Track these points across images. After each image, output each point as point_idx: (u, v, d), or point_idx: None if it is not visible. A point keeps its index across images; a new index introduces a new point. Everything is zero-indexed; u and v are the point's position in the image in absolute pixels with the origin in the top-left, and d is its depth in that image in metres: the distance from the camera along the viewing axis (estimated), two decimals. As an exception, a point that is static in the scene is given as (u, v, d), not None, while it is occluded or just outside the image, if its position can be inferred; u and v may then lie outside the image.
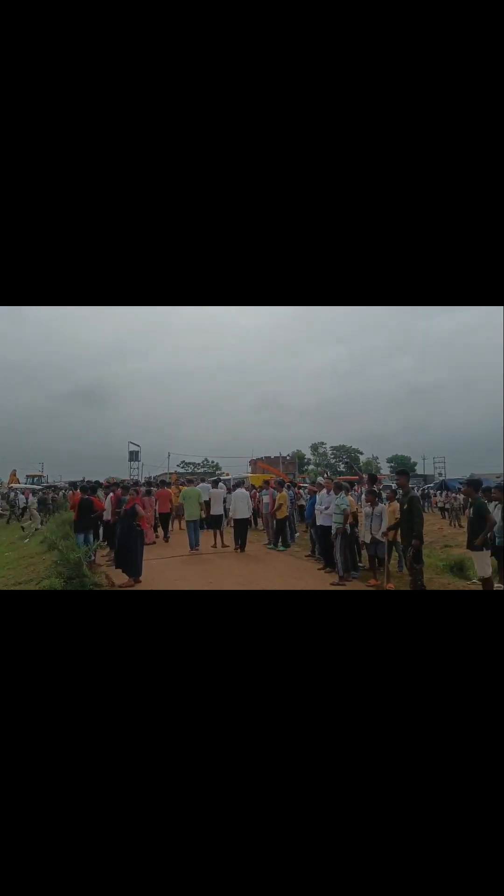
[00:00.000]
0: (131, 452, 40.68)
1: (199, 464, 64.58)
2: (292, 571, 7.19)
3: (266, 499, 10.23)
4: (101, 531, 8.37)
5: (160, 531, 10.52)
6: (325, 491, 7.36)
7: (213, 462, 64.33)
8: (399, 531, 5.81)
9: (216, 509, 9.74)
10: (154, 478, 24.56)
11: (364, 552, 7.05)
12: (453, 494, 19.10)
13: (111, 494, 8.52)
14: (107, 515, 8.09)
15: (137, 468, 40.45)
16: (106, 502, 8.26)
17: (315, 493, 8.13)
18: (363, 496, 7.00)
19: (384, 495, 6.91)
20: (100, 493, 9.15)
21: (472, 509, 5.52)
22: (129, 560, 6.26)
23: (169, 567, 7.42)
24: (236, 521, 9.35)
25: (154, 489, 11.04)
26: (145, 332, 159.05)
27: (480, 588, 5.41)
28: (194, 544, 9.01)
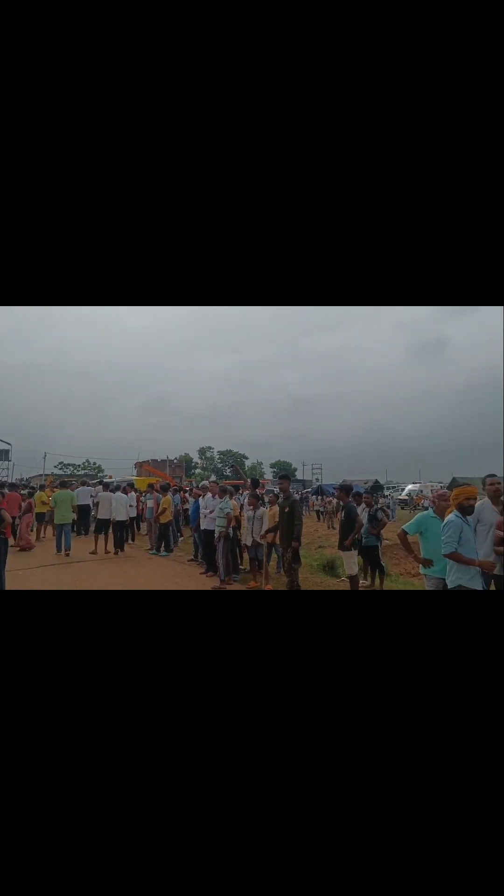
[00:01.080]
0: (1, 451, 36.80)
1: (79, 465, 60.72)
2: (173, 576, 7.06)
3: (150, 503, 9.94)
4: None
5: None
6: (209, 495, 7.38)
7: (95, 464, 61.04)
8: (279, 533, 6.05)
9: (103, 513, 9.19)
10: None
11: (245, 555, 7.22)
12: (328, 498, 20.58)
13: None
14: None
15: (7, 468, 36.73)
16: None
17: (199, 496, 8.12)
18: (246, 500, 7.17)
19: (266, 499, 7.16)
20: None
21: (343, 512, 5.98)
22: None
23: (36, 577, 6.78)
24: (113, 524, 9.13)
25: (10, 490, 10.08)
26: (23, 323, 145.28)
27: (348, 585, 5.87)
28: (66, 547, 8.59)
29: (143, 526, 11.37)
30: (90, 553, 8.73)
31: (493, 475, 4.07)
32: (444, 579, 3.62)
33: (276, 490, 6.97)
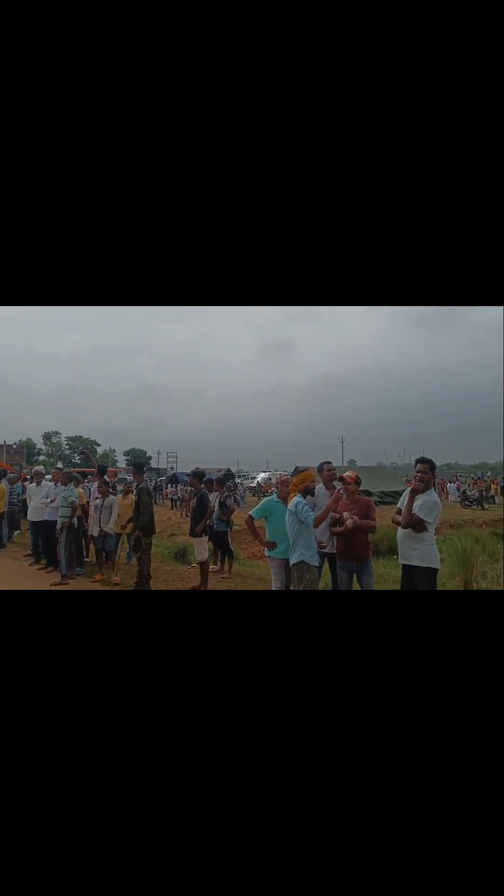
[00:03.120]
0: None
1: None
2: (4, 575, 6.29)
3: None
4: None
5: None
6: (52, 483, 6.73)
7: None
8: (134, 523, 5.81)
9: None
10: None
11: (91, 546, 6.78)
12: (182, 486, 20.61)
13: None
14: None
15: None
16: None
17: (26, 479, 7.35)
18: (94, 488, 6.73)
19: (120, 487, 6.81)
20: None
21: (195, 499, 6.00)
22: None
23: None
24: None
25: None
26: None
27: (199, 571, 5.94)
28: None
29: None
30: None
31: (329, 462, 4.50)
32: (287, 559, 3.90)
33: (129, 478, 6.68)
